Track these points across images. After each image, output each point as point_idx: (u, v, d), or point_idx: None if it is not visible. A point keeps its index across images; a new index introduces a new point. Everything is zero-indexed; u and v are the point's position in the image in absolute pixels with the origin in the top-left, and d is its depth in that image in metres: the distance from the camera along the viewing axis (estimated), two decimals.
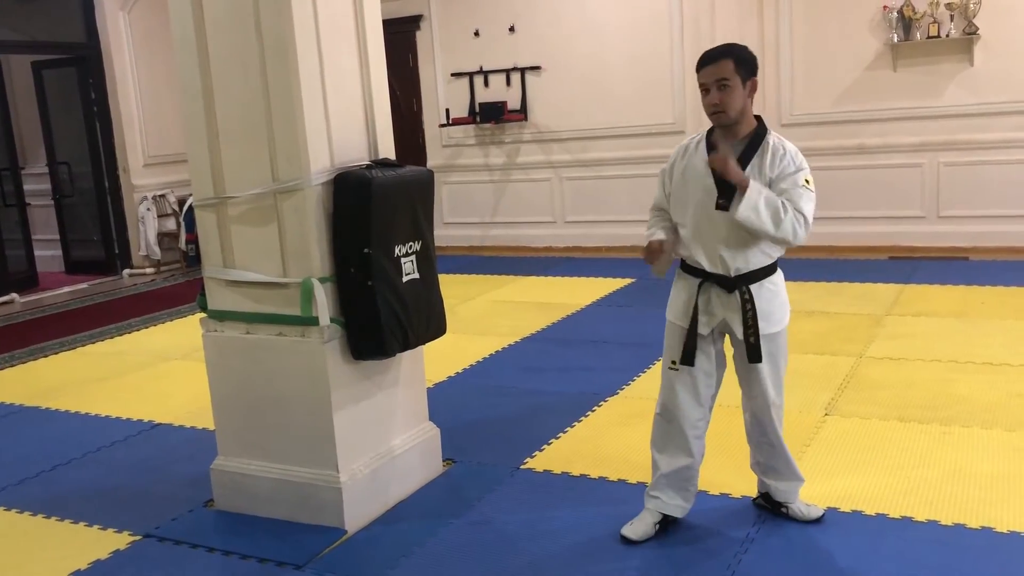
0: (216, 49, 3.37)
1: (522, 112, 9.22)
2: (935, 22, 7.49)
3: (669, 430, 3.18)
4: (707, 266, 3.02)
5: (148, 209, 9.46)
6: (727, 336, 3.13)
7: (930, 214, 7.86)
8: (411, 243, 3.49)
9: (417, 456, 3.82)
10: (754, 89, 2.94)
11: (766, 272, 3.03)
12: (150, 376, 5.79)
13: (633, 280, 7.56)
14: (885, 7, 7.65)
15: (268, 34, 3.24)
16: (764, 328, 3.01)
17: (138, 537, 3.54)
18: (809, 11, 8.00)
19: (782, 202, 2.86)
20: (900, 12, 7.58)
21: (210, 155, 3.45)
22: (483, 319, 6.66)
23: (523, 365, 5.43)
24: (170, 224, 9.72)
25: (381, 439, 3.66)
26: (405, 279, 3.45)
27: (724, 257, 2.98)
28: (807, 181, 2.91)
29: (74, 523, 3.71)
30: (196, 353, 6.16)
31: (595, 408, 4.60)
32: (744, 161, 2.93)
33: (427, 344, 3.72)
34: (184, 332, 6.87)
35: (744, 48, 2.96)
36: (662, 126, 8.70)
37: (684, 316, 3.08)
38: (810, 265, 7.16)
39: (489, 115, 9.29)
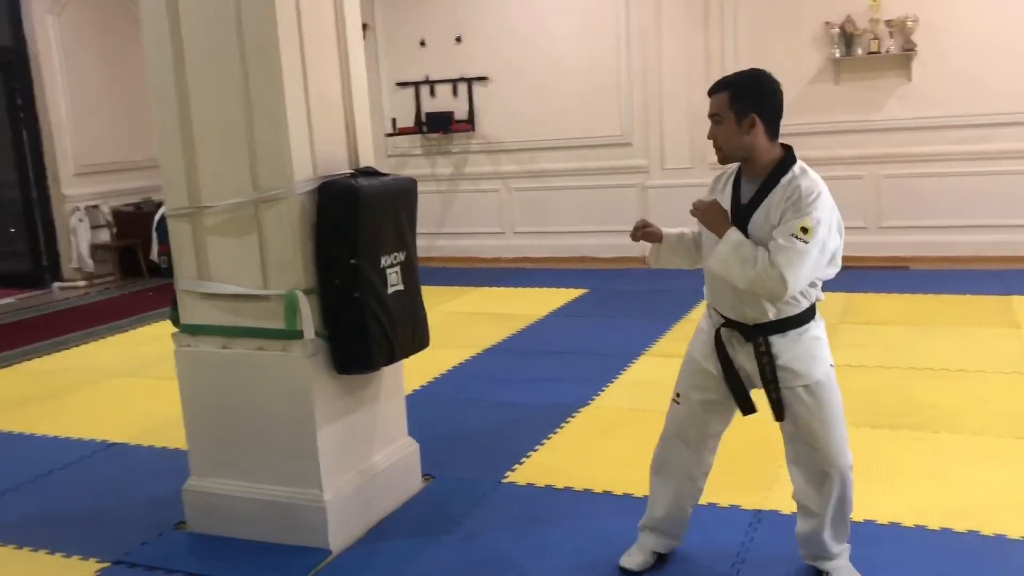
0: (193, 51, 3.23)
1: (470, 122, 9.18)
2: (875, 38, 7.71)
3: (667, 464, 3.02)
4: (722, 309, 2.82)
5: (80, 220, 9.12)
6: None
7: (871, 225, 8.08)
8: (396, 253, 3.41)
9: (398, 472, 3.72)
10: (752, 126, 2.66)
11: (792, 323, 2.73)
12: (97, 394, 5.55)
13: (587, 291, 7.57)
14: (827, 23, 7.85)
15: (251, 37, 3.13)
16: (792, 381, 2.74)
17: (106, 564, 3.36)
18: (754, 26, 8.16)
19: (758, 254, 2.59)
20: (842, 28, 7.78)
21: (185, 163, 3.32)
22: (440, 331, 6.49)
23: (489, 377, 5.37)
24: (103, 235, 9.39)
25: (363, 455, 3.56)
26: (390, 290, 3.36)
27: (736, 304, 2.76)
28: (804, 230, 2.55)
29: (34, 551, 3.51)
30: (145, 369, 5.98)
31: (569, 420, 4.56)
32: (756, 202, 2.69)
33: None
34: (128, 348, 6.62)
35: (751, 79, 2.74)
36: (610, 138, 8.76)
37: (705, 355, 2.89)
38: None
39: (436, 125, 9.22)
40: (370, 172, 3.41)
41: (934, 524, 3.26)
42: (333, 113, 3.40)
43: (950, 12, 7.56)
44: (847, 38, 7.80)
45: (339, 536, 3.36)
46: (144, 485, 4.06)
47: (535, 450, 4.19)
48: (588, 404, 4.78)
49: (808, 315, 2.78)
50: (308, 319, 3.21)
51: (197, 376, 3.48)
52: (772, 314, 2.73)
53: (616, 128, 8.73)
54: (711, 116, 2.72)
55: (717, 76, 9.06)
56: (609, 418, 4.56)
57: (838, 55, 7.84)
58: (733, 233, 2.68)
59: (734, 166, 2.84)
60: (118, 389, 5.62)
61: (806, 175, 2.70)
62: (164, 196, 3.45)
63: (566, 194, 8.99)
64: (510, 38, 8.94)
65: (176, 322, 3.51)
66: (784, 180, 2.68)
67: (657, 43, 8.42)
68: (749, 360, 2.80)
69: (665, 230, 3.05)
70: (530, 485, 3.82)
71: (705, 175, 8.17)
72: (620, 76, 8.64)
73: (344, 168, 3.42)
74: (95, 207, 9.31)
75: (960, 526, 3.23)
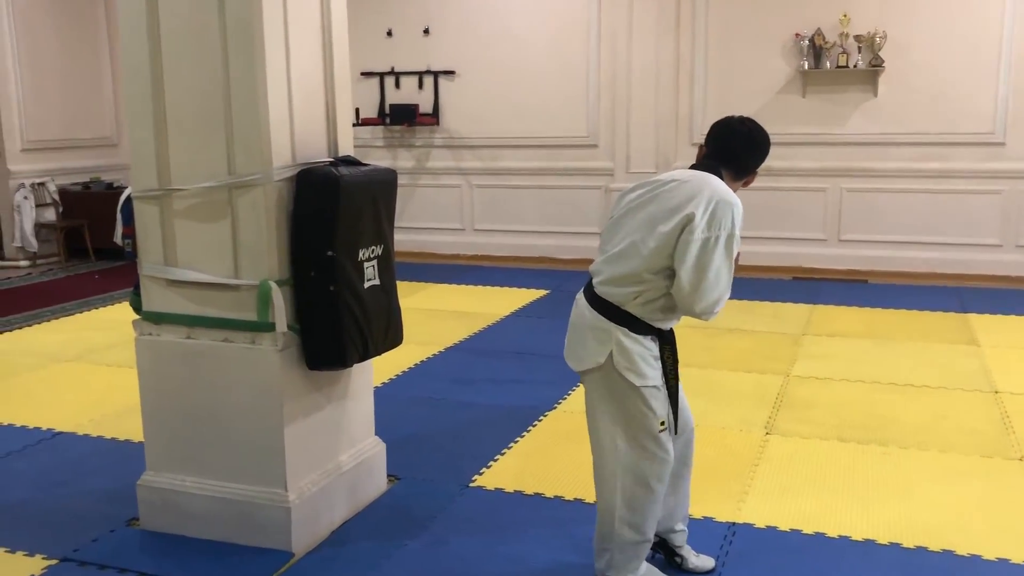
0: (169, 28, 3.07)
1: (434, 116, 9.04)
2: (844, 52, 7.76)
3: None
4: None
5: (25, 198, 8.80)
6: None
7: (831, 237, 8.14)
8: (373, 247, 3.29)
9: (364, 472, 3.60)
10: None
11: None
12: (41, 379, 5.31)
13: (547, 292, 7.50)
14: (797, 35, 7.88)
15: (232, 17, 2.98)
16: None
17: (54, 561, 3.19)
18: (724, 33, 8.16)
19: None
20: (812, 40, 7.82)
21: (156, 143, 3.15)
22: None
23: (451, 377, 5.26)
24: (49, 214, 9.06)
25: (330, 454, 3.43)
26: (366, 284, 3.24)
27: None
28: None
29: None
30: (91, 355, 5.74)
31: (535, 423, 4.48)
32: None
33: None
34: (73, 332, 6.36)
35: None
36: (575, 139, 8.70)
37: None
38: None
39: (400, 117, 9.07)
40: (350, 161, 3.29)
41: (909, 543, 3.24)
42: (314, 98, 3.27)
43: (917, 30, 7.64)
44: (816, 51, 7.84)
45: (302, 538, 3.23)
46: (93, 478, 3.88)
47: (502, 454, 4.10)
48: (554, 408, 4.70)
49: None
50: (281, 311, 3.08)
51: (158, 366, 3.32)
52: None
53: (583, 129, 8.67)
54: None
55: (687, 82, 9.16)
56: (576, 423, 4.46)
57: (807, 67, 7.88)
58: None
59: None
60: (63, 375, 5.39)
61: None
62: (131, 176, 3.27)
63: (529, 193, 8.90)
64: (479, 33, 8.82)
65: (138, 309, 3.34)
66: None
67: (627, 46, 8.37)
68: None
69: None
70: (498, 490, 3.73)
71: None
72: (589, 77, 8.58)
73: (323, 156, 3.29)
74: (41, 184, 8.98)
75: (935, 545, 3.22)
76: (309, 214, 3.09)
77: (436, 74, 9.02)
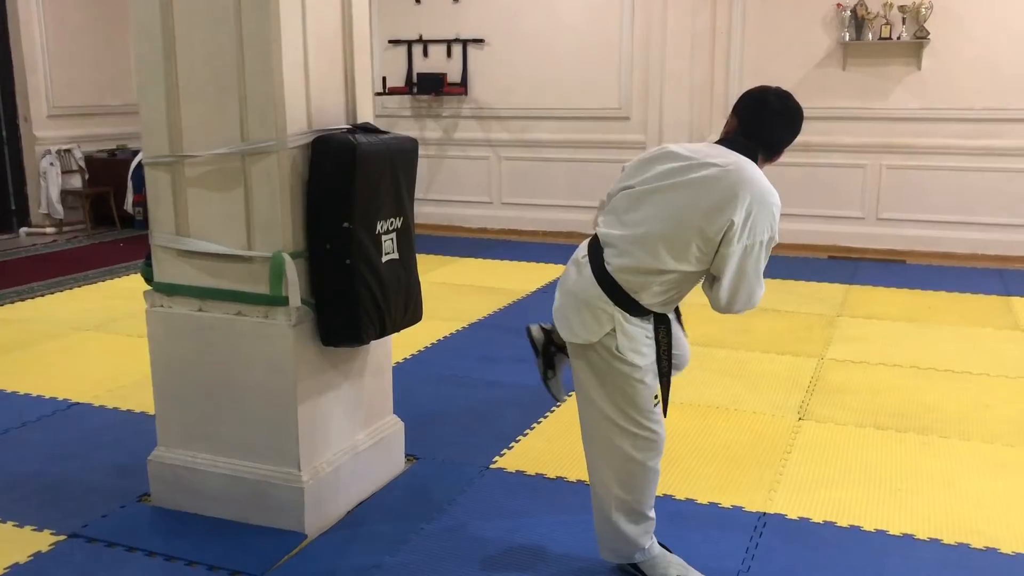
0: None
1: (462, 86, 8.86)
2: (887, 23, 7.48)
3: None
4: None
5: (51, 164, 8.74)
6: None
7: (869, 216, 7.88)
8: (392, 219, 3.15)
9: (381, 452, 3.49)
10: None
11: None
12: (61, 348, 5.25)
13: None
14: (839, 5, 7.60)
15: None
16: None
17: (62, 537, 3.11)
18: (763, 2, 7.89)
19: None
20: (854, 11, 7.54)
21: (167, 107, 3.02)
22: (423, 302, 6.30)
23: (475, 354, 5.13)
24: (75, 181, 9.02)
25: (346, 433, 3.32)
26: (385, 259, 3.11)
27: None
28: None
29: None
30: (112, 324, 5.68)
31: (558, 404, 4.34)
32: None
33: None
34: (96, 300, 6.31)
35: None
36: (607, 111, 8.48)
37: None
38: None
39: (427, 87, 8.90)
40: (369, 129, 3.14)
41: (949, 539, 3.08)
42: (332, 63, 3.13)
43: (966, 0, 7.34)
44: (858, 22, 7.55)
45: (315, 519, 3.13)
46: (106, 451, 3.80)
47: (524, 435, 3.97)
48: None
49: None
50: (295, 285, 2.95)
51: (169, 339, 3.21)
52: None
53: (614, 101, 8.45)
54: None
55: (723, 54, 8.88)
56: None
57: (847, 39, 7.60)
58: None
59: None
60: (83, 344, 5.33)
61: None
62: (142, 142, 3.15)
63: (558, 166, 8.72)
64: (509, 1, 8.61)
65: (149, 279, 3.24)
66: None
67: (662, 16, 8.13)
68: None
69: None
70: (519, 472, 3.60)
71: None
72: (622, 48, 8.35)
73: (341, 123, 3.15)
74: (67, 151, 8.92)
75: (978, 542, 3.05)
76: (324, 183, 2.95)
77: (465, 42, 8.83)
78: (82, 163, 9.01)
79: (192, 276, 3.13)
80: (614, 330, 2.56)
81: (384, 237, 3.10)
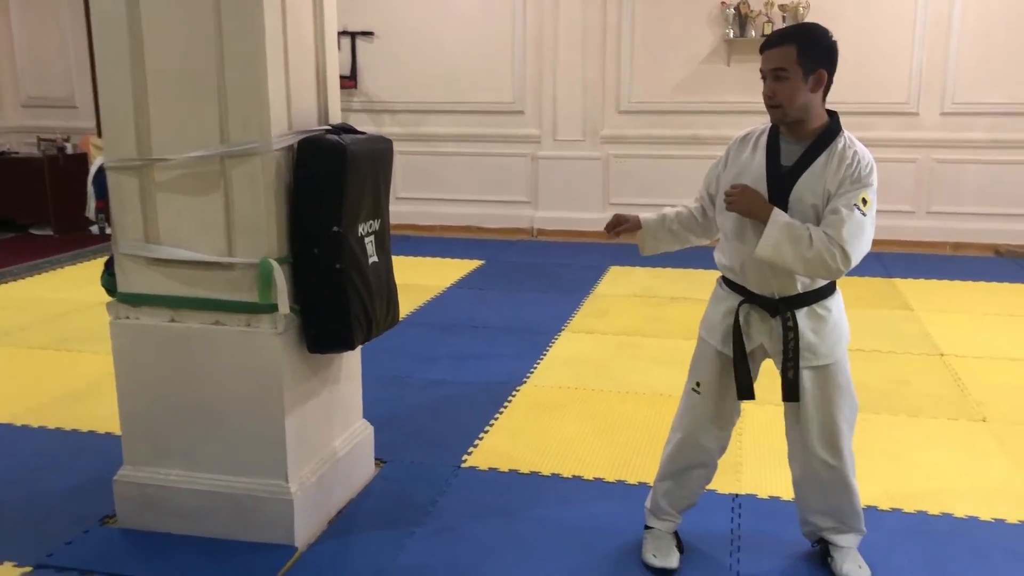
0: None
1: (352, 79, 8.70)
2: (769, 21, 7.86)
3: (682, 458, 2.90)
4: (750, 285, 2.67)
5: None
6: (767, 361, 2.82)
7: None
8: (371, 221, 3.10)
9: (356, 458, 3.43)
10: (820, 83, 2.50)
11: (817, 295, 2.65)
12: None
13: (483, 262, 7.37)
14: (723, 3, 7.93)
15: None
16: (807, 360, 2.66)
17: (27, 569, 2.90)
18: (651, 1, 8.13)
19: (810, 233, 2.47)
20: (737, 9, 7.88)
21: (134, 106, 2.85)
22: None
23: (412, 353, 5.08)
24: None
25: (325, 441, 3.24)
26: (368, 261, 3.05)
27: (768, 276, 2.62)
28: (864, 201, 2.49)
29: None
30: (8, 337, 5.28)
31: (510, 399, 4.38)
32: (803, 166, 2.55)
33: None
34: None
35: (817, 32, 2.54)
36: (501, 105, 8.54)
37: (721, 339, 2.75)
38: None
39: None
40: (347, 129, 3.07)
41: (909, 508, 3.31)
42: (308, 61, 3.03)
43: (841, 1, 7.81)
44: (742, 19, 7.91)
45: (303, 530, 3.05)
46: (47, 474, 3.56)
47: (485, 432, 3.98)
48: (524, 382, 4.60)
49: (832, 288, 2.72)
50: (284, 292, 2.86)
51: (137, 352, 3.04)
52: (800, 286, 2.63)
53: (508, 95, 8.52)
54: (774, 71, 2.51)
55: (614, 47, 9.02)
56: (551, 397, 4.40)
57: (732, 36, 7.94)
58: (779, 215, 2.54)
59: (761, 127, 2.71)
60: None
61: (857, 143, 2.60)
62: (104, 144, 2.97)
63: (454, 160, 8.71)
64: None
65: (112, 291, 3.05)
66: (838, 146, 2.56)
67: (554, 9, 8.25)
68: (771, 337, 2.70)
69: (644, 216, 2.96)
70: (493, 470, 3.61)
71: (595, 148, 8.12)
72: (515, 41, 8.42)
73: (315, 124, 3.07)
74: None
75: (934, 509, 3.30)
76: (313, 186, 2.87)
77: (353, 35, 8.68)
78: None
79: (163, 285, 2.98)
80: None
81: (366, 239, 3.05)
